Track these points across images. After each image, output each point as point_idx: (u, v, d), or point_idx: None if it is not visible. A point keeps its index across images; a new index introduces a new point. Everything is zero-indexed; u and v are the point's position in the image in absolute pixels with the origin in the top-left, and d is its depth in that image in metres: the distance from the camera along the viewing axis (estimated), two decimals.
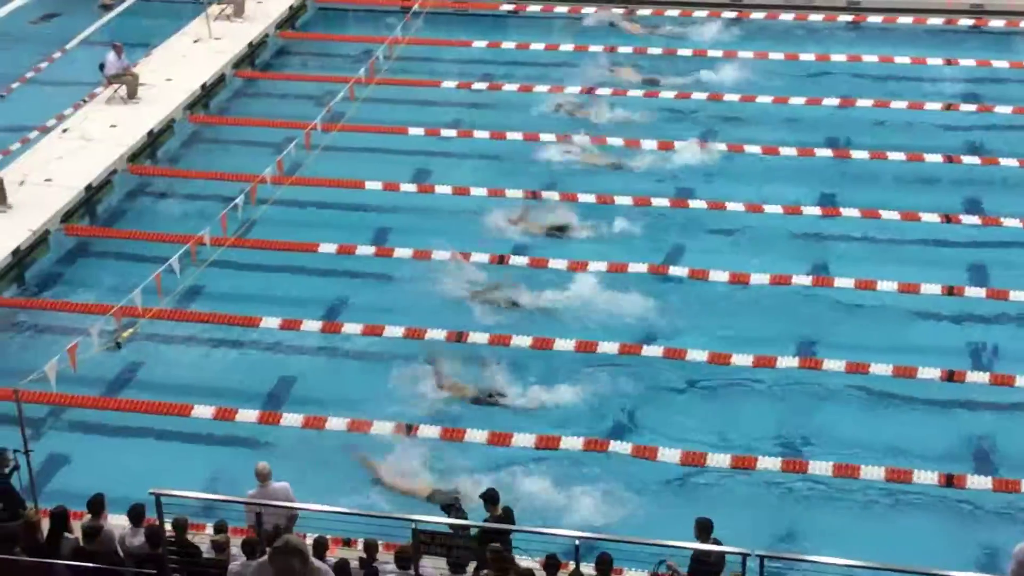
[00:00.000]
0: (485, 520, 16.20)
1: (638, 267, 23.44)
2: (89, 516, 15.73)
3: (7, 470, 16.79)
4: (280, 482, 16.44)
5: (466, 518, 16.54)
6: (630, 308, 22.50)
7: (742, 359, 21.01)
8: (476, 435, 19.69)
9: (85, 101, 29.34)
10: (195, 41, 31.89)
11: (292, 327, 22.20)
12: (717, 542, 15.26)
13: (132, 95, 28.92)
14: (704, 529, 15.34)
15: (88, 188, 25.99)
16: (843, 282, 22.86)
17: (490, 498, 16.46)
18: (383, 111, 28.60)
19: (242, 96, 30.77)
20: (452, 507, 16.90)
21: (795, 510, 18.57)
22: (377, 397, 20.57)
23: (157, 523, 15.02)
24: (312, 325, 22.23)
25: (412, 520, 14.98)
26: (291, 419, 20.12)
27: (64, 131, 28.04)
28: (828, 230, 24.58)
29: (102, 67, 29.18)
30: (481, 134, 28.07)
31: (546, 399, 20.56)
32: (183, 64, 30.42)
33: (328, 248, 24.18)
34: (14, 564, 14.82)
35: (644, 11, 33.54)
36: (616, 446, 19.41)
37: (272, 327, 22.23)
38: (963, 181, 25.99)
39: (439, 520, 15.86)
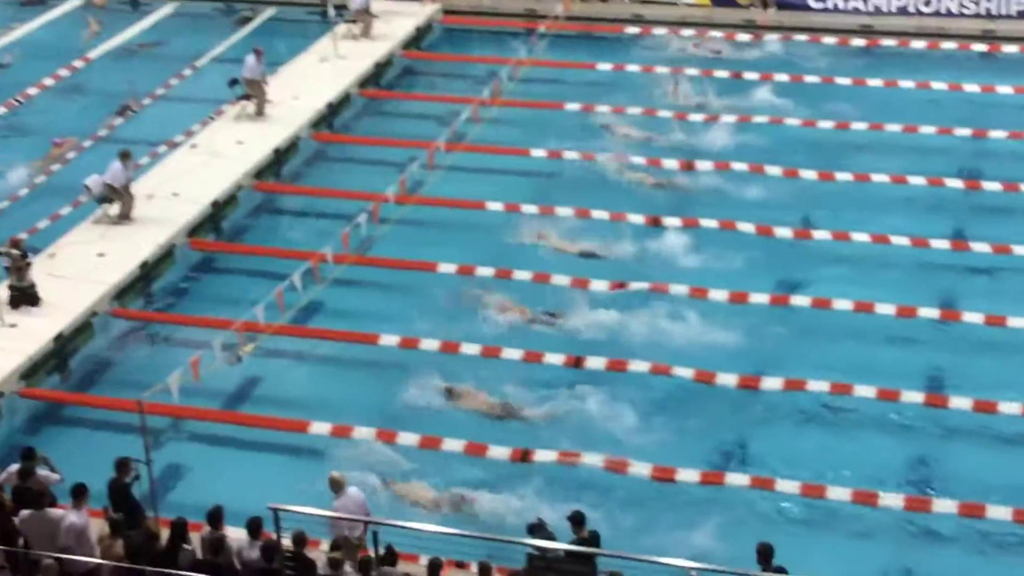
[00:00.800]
0: (571, 542, 15.96)
1: (759, 297, 23.17)
2: (208, 528, 15.85)
3: (129, 479, 17.02)
4: (351, 486, 16.89)
5: (554, 540, 16.13)
6: (750, 337, 22.25)
7: (865, 391, 20.61)
8: (592, 459, 19.56)
9: (213, 117, 29.79)
10: (321, 60, 32.21)
11: (410, 345, 22.24)
12: (782, 570, 15.13)
13: (260, 112, 29.29)
14: (763, 554, 15.26)
15: (214, 204, 26.35)
16: (971, 316, 22.34)
17: (576, 520, 16.20)
18: (506, 132, 28.62)
19: (366, 115, 30.97)
20: (538, 529, 16.37)
21: (917, 548, 18.14)
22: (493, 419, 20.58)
23: (274, 537, 15.12)
24: (430, 344, 22.25)
25: (527, 544, 14.93)
26: (407, 438, 20.15)
27: (192, 146, 28.48)
28: (957, 263, 24.07)
29: (232, 83, 29.64)
30: (603, 157, 27.94)
31: (663, 428, 20.35)
32: (309, 83, 30.70)
33: (448, 268, 24.23)
34: (139, 574, 15.01)
35: (772, 36, 33.20)
36: (734, 477, 19.18)
37: (391, 344, 22.27)
38: None
39: (552, 545, 15.70)
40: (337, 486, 16.80)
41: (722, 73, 31.27)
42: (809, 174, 26.83)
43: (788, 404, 20.72)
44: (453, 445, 19.89)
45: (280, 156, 28.42)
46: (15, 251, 22.57)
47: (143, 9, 36.87)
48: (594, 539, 16.16)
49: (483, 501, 18.83)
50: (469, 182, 26.92)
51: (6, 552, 15.48)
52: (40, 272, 23.18)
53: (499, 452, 19.76)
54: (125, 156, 25.48)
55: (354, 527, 16.44)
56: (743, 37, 33.35)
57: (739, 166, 27.23)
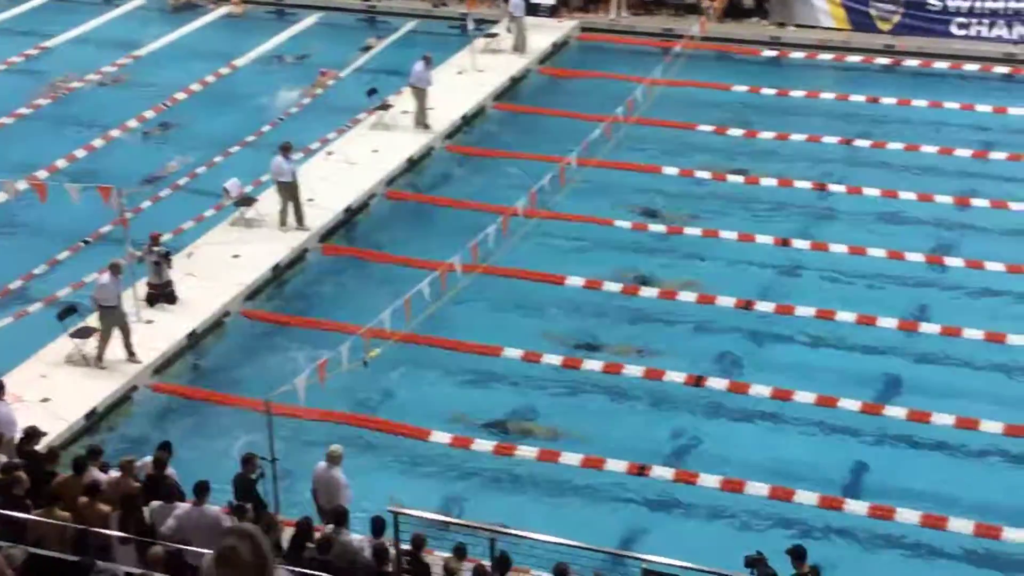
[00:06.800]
0: None
1: (888, 321, 22.97)
2: (332, 527, 16.14)
3: (254, 476, 17.38)
4: (340, 472, 17.39)
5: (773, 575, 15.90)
6: (877, 361, 22.18)
7: (991, 426, 20.43)
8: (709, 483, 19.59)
9: (349, 126, 30.29)
10: (459, 73, 32.61)
11: (533, 359, 22.40)
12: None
13: (421, 122, 29.55)
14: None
15: (347, 210, 26.82)
16: None
17: (797, 554, 15.72)
18: (639, 150, 28.73)
19: (500, 129, 31.22)
20: (758, 562, 15.85)
21: None
22: (613, 436, 20.67)
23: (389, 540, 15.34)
24: (553, 359, 22.40)
25: (641, 559, 14.94)
26: (525, 451, 20.32)
27: (328, 154, 29.01)
28: None
29: (371, 92, 30.18)
30: (735, 179, 27.90)
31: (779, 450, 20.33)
32: (446, 94, 31.03)
33: (575, 282, 24.37)
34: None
35: (912, 62, 32.81)
36: (852, 505, 19.08)
37: (514, 358, 22.47)
38: None
39: (668, 561, 15.68)
40: (331, 459, 17.45)
41: (858, 97, 31.10)
42: (943, 199, 26.66)
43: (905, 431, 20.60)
44: (570, 459, 20.01)
45: (413, 165, 28.82)
46: (157, 248, 23.22)
47: (288, 18, 37.66)
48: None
49: None
50: (599, 199, 27.03)
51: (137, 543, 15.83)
52: (177, 271, 23.79)
53: (615, 465, 19.88)
54: (286, 149, 25.85)
55: (332, 499, 17.05)
56: (882, 61, 33.08)
57: (871, 191, 27.05)
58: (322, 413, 21.01)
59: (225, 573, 6.26)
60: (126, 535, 15.68)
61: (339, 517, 16.19)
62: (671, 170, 28.23)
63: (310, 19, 37.41)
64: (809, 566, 15.73)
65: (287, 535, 16.44)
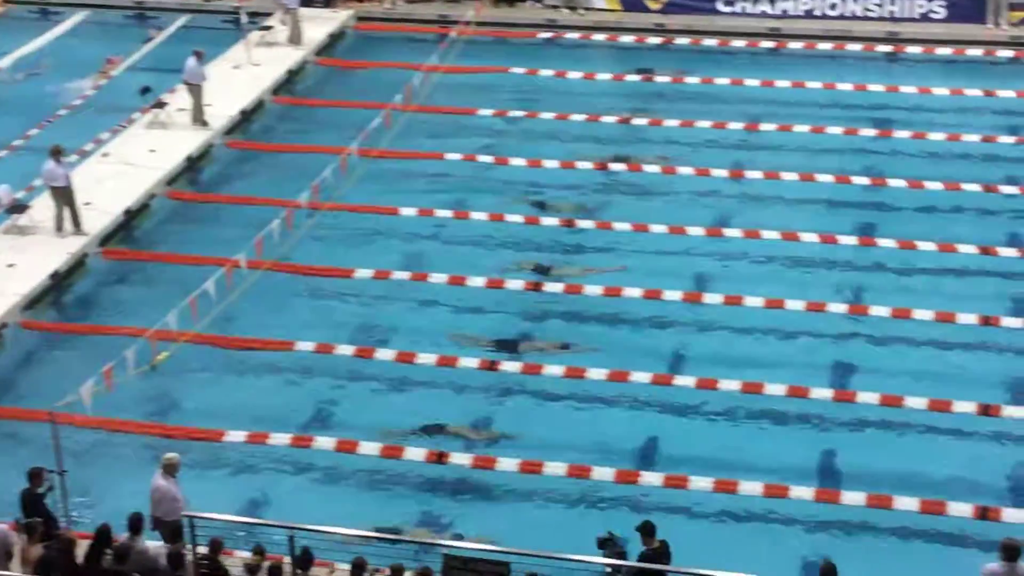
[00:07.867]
0: (642, 553, 15.87)
1: (672, 294, 23.46)
2: (127, 535, 15.81)
3: (42, 490, 16.90)
4: (174, 482, 16.88)
5: (624, 554, 15.99)
6: (664, 333, 22.56)
7: (775, 389, 20.98)
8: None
9: (124, 126, 29.57)
10: (234, 67, 32.12)
11: (326, 351, 22.27)
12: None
13: (198, 119, 29.15)
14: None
15: (127, 212, 26.20)
16: (878, 311, 22.80)
17: (646, 530, 15.91)
18: (419, 138, 28.77)
19: (280, 122, 30.90)
20: (608, 542, 16.01)
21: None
22: (408, 424, 20.70)
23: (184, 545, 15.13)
24: (345, 349, 22.30)
25: (443, 546, 15.03)
26: (323, 443, 20.19)
27: (104, 155, 28.28)
28: (864, 260, 24.54)
29: (144, 91, 29.53)
30: (517, 161, 28.16)
31: None
32: (223, 90, 30.53)
33: (364, 273, 24.30)
34: None
35: (683, 40, 33.62)
36: (647, 476, 19.41)
37: (307, 350, 22.30)
38: (1002, 212, 25.94)
39: (469, 546, 15.84)
40: (170, 468, 16.90)
41: (634, 77, 31.71)
42: (719, 173, 27.28)
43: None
44: (368, 449, 19.99)
45: (193, 164, 28.31)
46: None
47: (53, 17, 36.51)
48: (665, 549, 15.84)
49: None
50: (383, 188, 27.00)
51: None
52: None
53: (414, 454, 19.93)
54: (57, 153, 25.06)
55: (169, 512, 16.50)
56: (654, 40, 33.78)
57: (651, 168, 27.61)
58: (111, 421, 20.51)
59: None
60: None
61: (134, 525, 15.87)
62: (454, 155, 28.33)
63: (76, 17, 36.32)
64: (659, 540, 15.93)
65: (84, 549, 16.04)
